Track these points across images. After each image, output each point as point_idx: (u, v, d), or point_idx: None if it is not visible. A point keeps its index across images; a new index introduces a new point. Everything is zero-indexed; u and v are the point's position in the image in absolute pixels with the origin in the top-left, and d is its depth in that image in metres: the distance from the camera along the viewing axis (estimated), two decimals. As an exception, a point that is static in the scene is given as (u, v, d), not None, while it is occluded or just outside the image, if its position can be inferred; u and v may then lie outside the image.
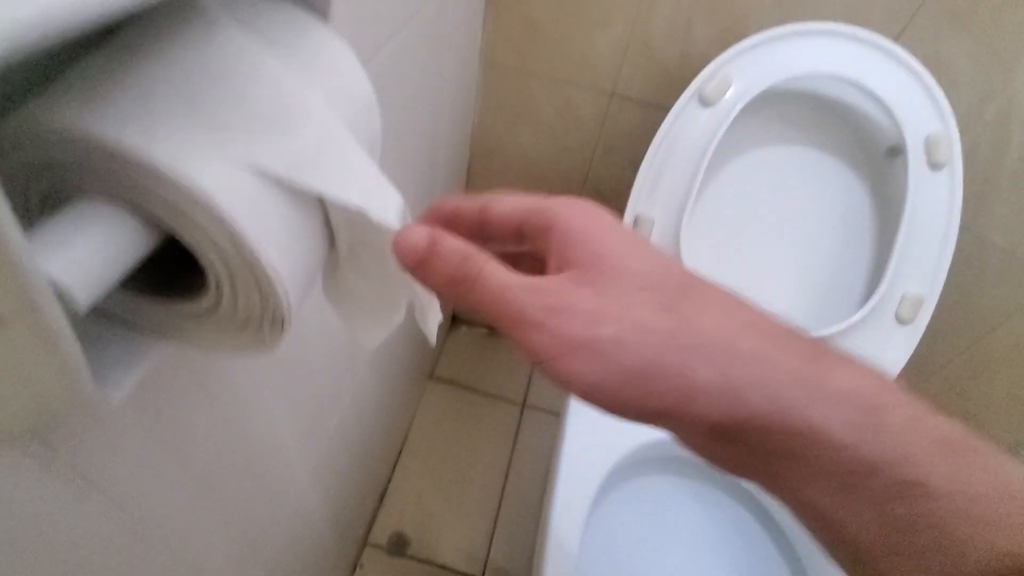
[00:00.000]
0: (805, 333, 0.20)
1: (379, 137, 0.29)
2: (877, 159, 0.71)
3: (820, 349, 0.19)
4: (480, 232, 0.23)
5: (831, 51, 0.66)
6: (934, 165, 0.66)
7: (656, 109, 0.84)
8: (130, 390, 0.22)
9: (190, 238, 0.19)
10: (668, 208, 0.70)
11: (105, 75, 0.18)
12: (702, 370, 0.18)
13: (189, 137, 0.18)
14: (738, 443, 0.19)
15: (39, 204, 0.19)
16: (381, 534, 1.07)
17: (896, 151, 0.68)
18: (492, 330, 1.33)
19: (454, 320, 1.34)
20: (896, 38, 0.68)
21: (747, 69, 0.67)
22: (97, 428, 0.27)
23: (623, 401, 0.19)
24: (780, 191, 0.74)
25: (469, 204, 0.24)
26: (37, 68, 0.19)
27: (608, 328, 0.19)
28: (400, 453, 1.17)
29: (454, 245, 0.21)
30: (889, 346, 0.71)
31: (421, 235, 0.21)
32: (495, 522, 1.11)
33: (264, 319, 0.22)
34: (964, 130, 0.65)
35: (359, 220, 0.22)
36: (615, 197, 0.98)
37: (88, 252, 0.16)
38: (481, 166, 1.00)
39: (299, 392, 0.52)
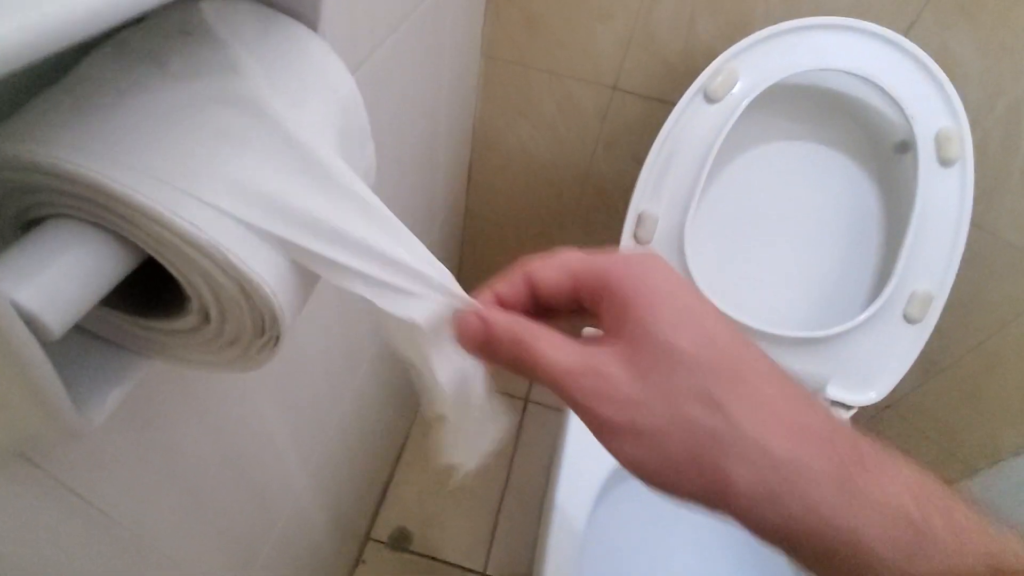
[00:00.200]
0: (849, 431, 0.20)
1: (372, 163, 0.28)
2: (886, 155, 0.69)
3: (863, 450, 0.19)
4: (536, 303, 0.24)
5: (839, 45, 0.64)
6: (945, 161, 0.64)
7: (659, 104, 0.83)
8: (113, 409, 0.22)
9: (170, 262, 0.18)
10: (672, 205, 0.69)
11: (93, 99, 0.17)
12: (743, 474, 0.18)
13: (178, 172, 0.17)
14: (780, 540, 0.19)
15: (14, 223, 0.18)
16: (383, 529, 1.07)
17: (905, 147, 0.67)
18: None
19: (456, 315, 1.33)
20: (905, 32, 0.66)
21: (753, 64, 0.66)
22: (83, 443, 0.26)
23: (663, 483, 0.20)
24: (787, 188, 0.72)
25: (514, 282, 0.24)
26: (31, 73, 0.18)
27: (652, 419, 0.19)
28: (403, 449, 1.17)
29: (504, 330, 0.22)
30: (897, 344, 0.70)
31: (474, 324, 0.22)
32: (497, 517, 1.11)
33: (254, 338, 0.21)
34: (974, 125, 0.64)
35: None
36: (617, 193, 0.97)
37: (59, 276, 0.15)
38: (482, 161, 0.99)
39: (297, 395, 0.52)
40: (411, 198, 0.72)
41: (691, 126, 0.67)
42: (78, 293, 0.15)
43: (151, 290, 0.21)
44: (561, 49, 0.81)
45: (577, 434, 0.71)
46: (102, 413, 0.21)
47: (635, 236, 0.71)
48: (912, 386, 0.89)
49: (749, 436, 0.18)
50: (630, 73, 0.81)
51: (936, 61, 0.63)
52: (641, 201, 0.70)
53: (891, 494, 0.18)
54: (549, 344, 0.21)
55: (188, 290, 0.19)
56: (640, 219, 0.70)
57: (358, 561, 1.02)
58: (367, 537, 1.05)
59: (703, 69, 0.66)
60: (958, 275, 0.66)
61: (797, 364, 0.72)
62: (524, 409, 1.26)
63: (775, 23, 0.65)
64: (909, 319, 0.68)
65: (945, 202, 0.65)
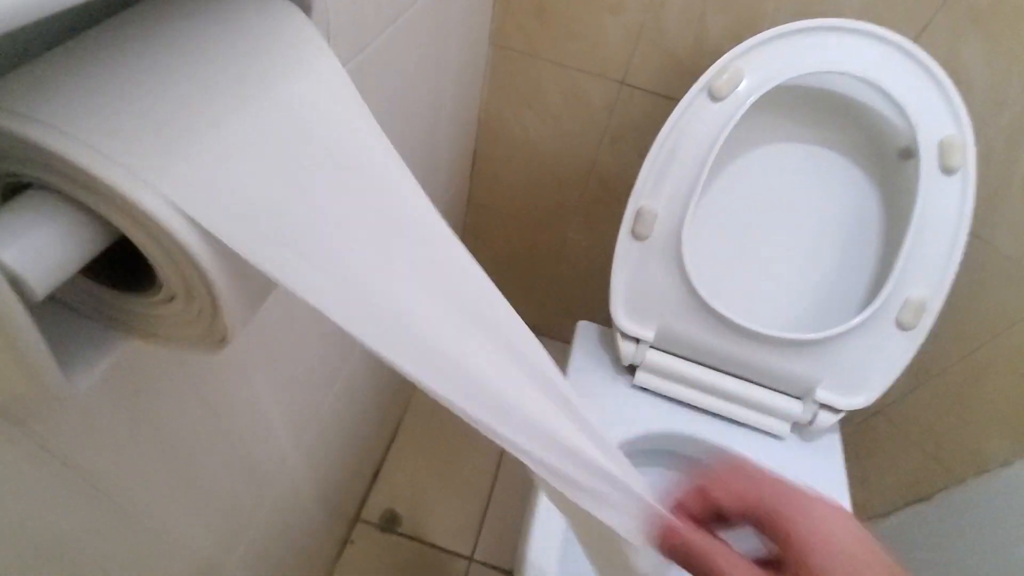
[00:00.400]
0: None
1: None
2: (888, 161, 0.69)
3: None
4: (718, 516, 0.28)
5: (847, 48, 0.64)
6: (946, 169, 0.64)
7: (666, 100, 0.83)
8: (100, 374, 0.22)
9: (139, 241, 0.18)
10: (672, 202, 0.69)
11: (96, 65, 0.17)
12: None
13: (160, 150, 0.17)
14: None
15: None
16: (373, 511, 1.08)
17: (908, 153, 0.67)
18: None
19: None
20: (916, 37, 0.66)
21: (759, 64, 0.65)
22: (71, 408, 0.27)
23: None
24: (787, 189, 0.72)
25: (693, 497, 0.29)
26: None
27: None
28: (396, 433, 1.18)
29: (699, 546, 0.27)
30: (889, 350, 0.70)
31: (674, 536, 0.28)
32: (487, 504, 1.12)
33: (215, 316, 0.21)
34: (978, 135, 0.64)
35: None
36: (621, 187, 0.97)
37: (43, 240, 0.15)
38: (487, 149, 0.99)
39: (292, 371, 0.52)
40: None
41: (694, 123, 0.67)
42: (61, 257, 0.16)
43: (129, 266, 0.22)
44: (571, 40, 0.81)
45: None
46: (89, 378, 0.21)
47: (633, 231, 0.71)
48: (902, 392, 0.89)
49: None
50: (638, 68, 0.81)
51: (944, 68, 0.62)
52: (641, 196, 0.70)
53: None
54: (732, 565, 0.26)
55: (152, 260, 0.19)
56: (639, 214, 0.70)
57: (347, 541, 1.03)
58: (357, 518, 1.06)
59: (711, 66, 0.66)
60: (953, 283, 0.66)
61: (789, 365, 0.72)
62: (518, 399, 1.26)
63: (785, 22, 0.65)
64: (902, 326, 0.68)
65: (945, 210, 0.65)
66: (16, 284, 0.15)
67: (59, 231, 0.16)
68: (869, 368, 0.71)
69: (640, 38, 0.78)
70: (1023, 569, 0.75)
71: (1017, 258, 0.73)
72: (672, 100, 0.82)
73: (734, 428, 0.76)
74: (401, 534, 1.06)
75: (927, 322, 0.68)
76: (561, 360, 0.87)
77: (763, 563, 0.26)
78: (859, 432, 0.98)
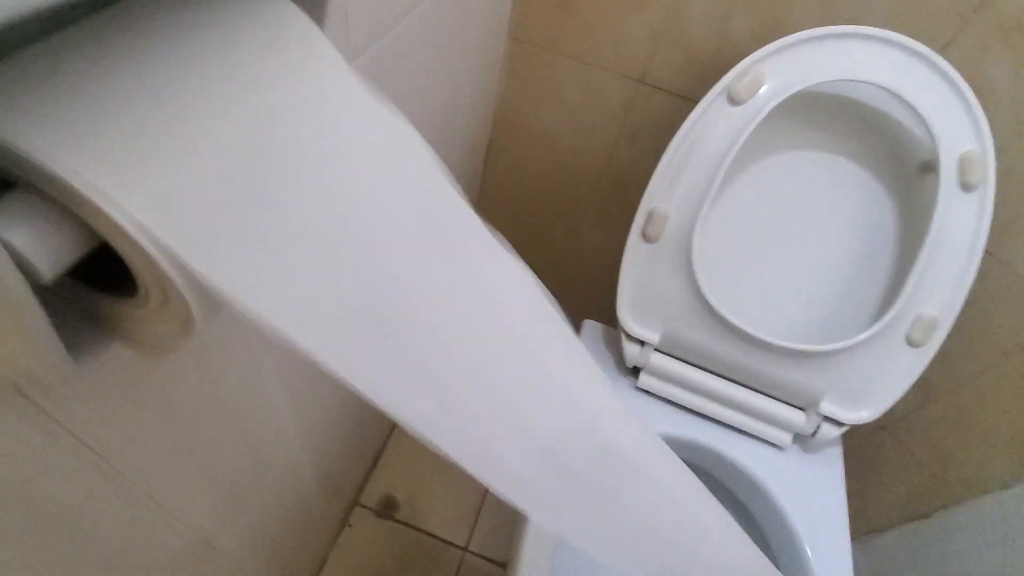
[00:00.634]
0: None
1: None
2: (907, 173, 0.68)
3: None
4: None
5: (871, 57, 0.63)
6: (966, 186, 0.63)
7: (686, 100, 0.82)
8: (106, 355, 0.23)
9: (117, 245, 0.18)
10: (684, 205, 0.69)
11: (79, 64, 0.17)
12: None
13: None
14: None
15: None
16: (372, 496, 1.09)
17: (928, 167, 0.66)
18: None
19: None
20: (942, 49, 0.65)
21: (781, 69, 0.65)
22: (80, 382, 0.27)
23: None
24: (802, 197, 0.72)
25: None
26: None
27: None
28: (397, 419, 1.18)
29: None
30: (897, 367, 0.69)
31: None
32: (484, 496, 1.13)
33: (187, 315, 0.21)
34: (1000, 152, 0.63)
35: None
36: (635, 186, 0.96)
37: (48, 227, 0.16)
38: (502, 139, 0.98)
39: (294, 355, 0.53)
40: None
41: (711, 126, 0.67)
42: (66, 242, 0.16)
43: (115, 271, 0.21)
44: (591, 36, 0.80)
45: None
46: (95, 358, 0.22)
47: (643, 233, 0.71)
48: (908, 408, 0.89)
49: None
50: (659, 67, 0.80)
51: (969, 82, 0.61)
52: (654, 198, 0.70)
53: None
54: None
55: (130, 265, 0.19)
56: (650, 216, 0.70)
57: (344, 524, 1.05)
58: (355, 501, 1.07)
59: (732, 69, 0.66)
60: (965, 302, 0.65)
61: (794, 375, 0.72)
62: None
63: (810, 27, 0.64)
64: (911, 342, 0.68)
65: (961, 227, 0.64)
66: (24, 266, 0.15)
67: (58, 221, 0.16)
68: (875, 383, 0.70)
69: (662, 37, 0.77)
70: (1019, 592, 0.74)
71: (1032, 279, 0.72)
72: (691, 101, 0.82)
73: (735, 435, 0.76)
74: (398, 520, 1.07)
75: (937, 340, 0.67)
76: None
77: None
78: (862, 445, 0.97)
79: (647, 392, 0.77)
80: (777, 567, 0.72)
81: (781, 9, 0.70)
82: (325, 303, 0.22)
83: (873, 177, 0.70)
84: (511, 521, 1.08)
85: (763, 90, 0.65)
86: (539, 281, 0.28)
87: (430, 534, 1.07)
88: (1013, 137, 0.66)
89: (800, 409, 0.74)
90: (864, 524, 0.99)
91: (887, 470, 0.95)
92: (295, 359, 0.53)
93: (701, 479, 0.80)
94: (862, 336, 0.67)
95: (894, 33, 0.62)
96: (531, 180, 1.03)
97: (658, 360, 0.75)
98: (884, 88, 0.62)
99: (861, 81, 0.63)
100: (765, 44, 0.64)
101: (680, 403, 0.77)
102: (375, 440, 1.09)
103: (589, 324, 0.85)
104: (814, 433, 0.73)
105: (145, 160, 0.17)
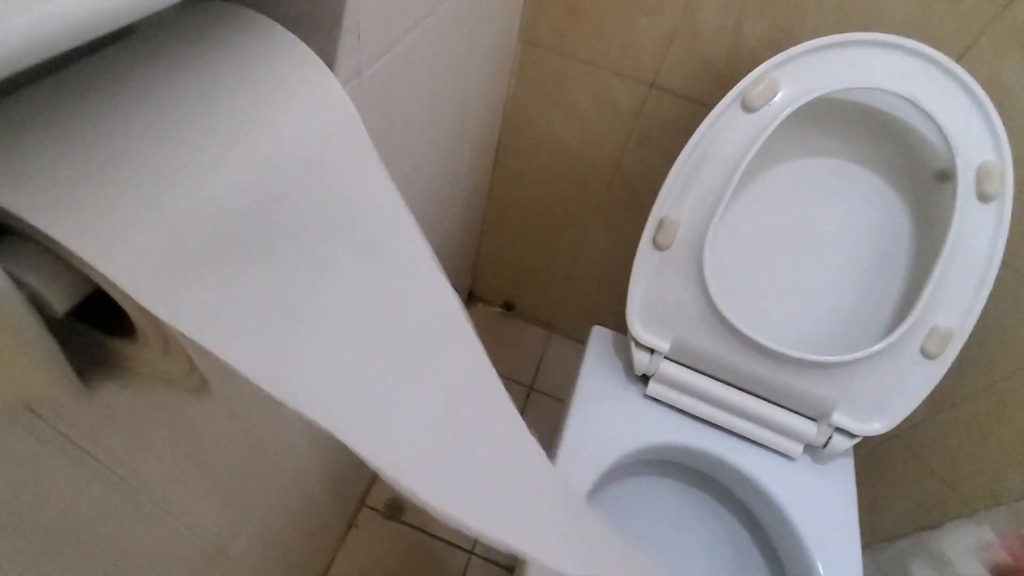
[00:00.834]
0: None
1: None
2: (923, 183, 0.67)
3: None
4: None
5: (888, 64, 0.62)
6: (983, 196, 0.62)
7: (697, 105, 0.82)
8: (122, 381, 0.23)
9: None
10: (696, 212, 0.68)
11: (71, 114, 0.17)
12: None
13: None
14: None
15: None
16: (378, 497, 1.09)
17: (945, 177, 0.65)
18: (507, 308, 1.33)
19: (471, 296, 1.34)
20: (959, 57, 0.64)
21: (797, 76, 0.64)
22: (92, 399, 0.27)
23: None
24: (817, 206, 0.71)
25: None
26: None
27: None
28: (405, 421, 1.18)
29: None
30: (911, 378, 0.68)
31: None
32: (490, 499, 1.12)
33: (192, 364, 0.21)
34: (1018, 162, 0.62)
35: None
36: (644, 191, 0.96)
37: (57, 267, 0.15)
38: (511, 142, 0.98)
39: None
40: (435, 175, 0.72)
41: (725, 133, 0.66)
42: (73, 283, 0.16)
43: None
44: (602, 40, 0.79)
45: (575, 432, 0.72)
46: (108, 385, 0.22)
47: (654, 240, 0.70)
48: (921, 418, 0.88)
49: None
50: (670, 71, 0.79)
51: (987, 91, 0.60)
52: (665, 205, 0.69)
53: None
54: None
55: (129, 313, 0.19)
56: (662, 223, 0.69)
57: (351, 525, 1.05)
58: (362, 503, 1.08)
59: (745, 74, 0.65)
60: (981, 312, 0.64)
61: (806, 386, 0.71)
62: (527, 397, 1.26)
63: (825, 34, 0.63)
64: (926, 354, 0.67)
65: (978, 238, 0.63)
66: (36, 300, 0.15)
67: (65, 262, 0.16)
68: (889, 395, 0.69)
69: (673, 41, 0.76)
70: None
71: (1050, 290, 0.71)
72: (701, 105, 0.81)
73: (745, 445, 0.75)
74: (404, 522, 1.07)
75: (952, 351, 0.66)
76: (574, 359, 0.87)
77: None
78: (874, 454, 0.96)
79: (656, 400, 0.77)
80: (784, 569, 0.72)
81: (794, 15, 0.69)
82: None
83: (889, 186, 0.69)
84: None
85: (778, 97, 0.64)
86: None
87: (436, 536, 1.07)
88: (1032, 147, 0.65)
89: (812, 420, 0.74)
90: (874, 533, 0.98)
91: (900, 479, 0.94)
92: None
93: (710, 488, 0.80)
94: (876, 347, 0.66)
95: (910, 40, 0.61)
96: (539, 183, 1.03)
97: (668, 368, 0.75)
98: (901, 96, 0.61)
99: (877, 89, 0.62)
100: (777, 50, 0.64)
101: (689, 411, 0.76)
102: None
103: (597, 330, 0.84)
104: (825, 444, 0.73)
105: (130, 214, 0.17)
